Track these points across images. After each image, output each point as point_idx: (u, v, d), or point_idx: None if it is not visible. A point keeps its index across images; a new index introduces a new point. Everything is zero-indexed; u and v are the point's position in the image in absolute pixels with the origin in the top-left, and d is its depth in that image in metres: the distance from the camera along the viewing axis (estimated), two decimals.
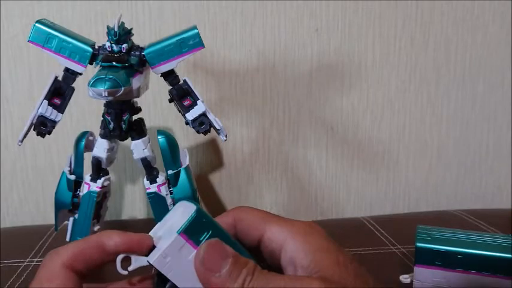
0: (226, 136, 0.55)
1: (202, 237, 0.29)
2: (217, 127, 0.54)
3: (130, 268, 0.30)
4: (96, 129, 0.57)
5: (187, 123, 0.55)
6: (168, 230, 0.31)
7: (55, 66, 0.54)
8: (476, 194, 0.85)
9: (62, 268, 0.29)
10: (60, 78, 0.54)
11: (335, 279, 0.28)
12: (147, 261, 0.30)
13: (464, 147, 0.83)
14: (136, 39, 0.55)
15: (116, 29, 0.52)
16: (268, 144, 0.79)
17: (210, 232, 0.30)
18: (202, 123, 0.54)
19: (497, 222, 0.68)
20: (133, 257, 0.30)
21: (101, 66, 0.52)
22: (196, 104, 0.54)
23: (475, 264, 0.47)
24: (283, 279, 0.28)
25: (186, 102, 0.54)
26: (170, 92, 0.55)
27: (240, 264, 0.29)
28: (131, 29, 0.54)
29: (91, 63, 0.53)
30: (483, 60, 0.80)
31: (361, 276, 0.30)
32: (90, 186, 0.57)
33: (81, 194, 0.57)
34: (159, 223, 0.33)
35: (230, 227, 0.33)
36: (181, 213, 0.31)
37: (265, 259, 0.33)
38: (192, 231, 0.29)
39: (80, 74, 0.54)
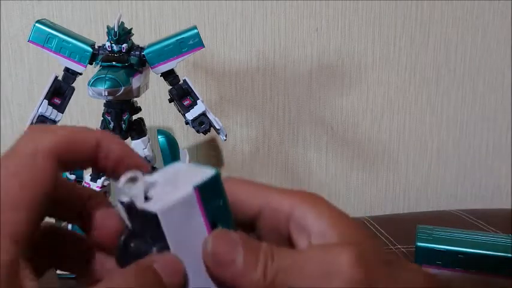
0: (226, 136, 0.55)
1: (213, 206, 0.25)
2: (217, 127, 0.54)
3: (136, 189, 0.24)
4: None
5: (187, 123, 0.55)
6: (172, 180, 0.25)
7: (55, 66, 0.54)
8: (476, 194, 0.85)
9: (45, 153, 0.23)
10: (60, 78, 0.54)
11: (357, 241, 0.25)
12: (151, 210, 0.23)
13: (464, 147, 0.83)
14: (136, 39, 0.55)
15: (115, 29, 0.52)
16: (268, 144, 0.79)
17: (221, 202, 0.25)
18: (202, 123, 0.54)
19: (497, 222, 0.68)
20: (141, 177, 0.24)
21: (100, 66, 0.52)
22: (196, 104, 0.54)
23: (475, 263, 0.47)
24: (309, 253, 0.24)
25: (186, 102, 0.55)
26: (170, 91, 0.55)
27: (254, 249, 0.24)
28: (131, 29, 0.54)
29: (91, 63, 0.53)
30: (483, 60, 0.80)
31: (372, 238, 0.27)
32: (90, 186, 0.57)
33: None
34: (163, 169, 0.27)
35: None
36: (195, 169, 0.26)
37: (261, 236, 0.28)
38: (207, 192, 0.24)
39: (80, 73, 0.54)
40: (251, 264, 0.24)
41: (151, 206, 0.23)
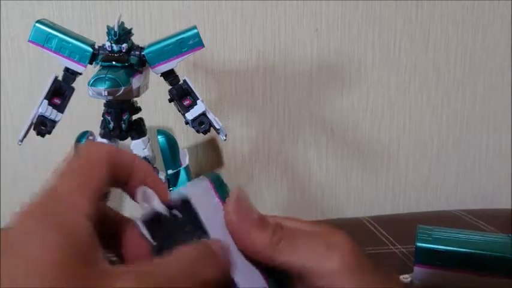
0: (226, 136, 0.55)
1: (222, 191, 0.30)
2: (217, 127, 0.54)
3: (151, 207, 0.28)
4: (96, 129, 0.57)
5: (187, 123, 0.55)
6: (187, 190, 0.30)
7: (55, 66, 0.54)
8: (476, 194, 0.85)
9: (104, 158, 0.27)
10: (60, 78, 0.54)
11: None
12: (179, 195, 0.29)
13: (464, 147, 0.83)
14: (136, 39, 0.55)
15: (115, 29, 0.52)
16: (268, 144, 0.79)
17: (227, 189, 0.30)
18: (202, 123, 0.54)
19: (497, 222, 0.68)
20: (155, 198, 0.28)
21: (100, 66, 0.52)
22: (196, 104, 0.54)
23: (475, 264, 0.47)
24: (312, 231, 0.29)
25: (186, 102, 0.54)
26: (170, 91, 0.55)
27: (264, 217, 0.29)
28: (131, 28, 0.54)
29: (91, 63, 0.53)
30: (483, 60, 0.80)
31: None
32: None
33: None
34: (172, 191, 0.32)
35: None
36: (197, 180, 0.31)
37: None
38: (216, 182, 0.30)
39: (80, 73, 0.54)
40: (263, 227, 0.28)
41: (180, 197, 0.28)
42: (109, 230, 0.28)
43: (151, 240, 0.28)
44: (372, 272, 0.27)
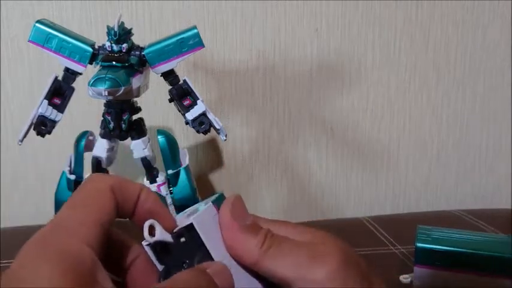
0: (226, 136, 0.55)
1: None
2: (217, 127, 0.54)
3: (155, 238, 0.29)
4: (96, 129, 0.57)
5: (187, 123, 0.55)
6: (192, 214, 0.31)
7: (55, 66, 0.54)
8: (476, 194, 0.85)
9: (107, 190, 0.28)
10: (60, 78, 0.54)
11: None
12: (189, 222, 0.29)
13: (464, 147, 0.83)
14: (136, 39, 0.55)
15: (115, 29, 0.52)
16: (268, 144, 0.79)
17: None
18: (202, 123, 0.54)
19: (497, 222, 0.68)
20: (159, 228, 0.29)
21: (101, 66, 0.52)
22: (196, 104, 0.54)
23: (475, 264, 0.47)
24: (300, 241, 0.29)
25: (186, 102, 0.54)
26: (170, 91, 0.55)
27: (257, 226, 0.29)
28: (131, 28, 0.54)
29: (91, 63, 0.53)
30: (483, 60, 0.80)
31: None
32: None
33: None
34: (178, 215, 0.33)
35: None
36: (203, 203, 0.32)
37: None
38: (220, 203, 0.31)
39: (80, 73, 0.54)
40: (253, 234, 0.28)
41: (184, 222, 0.29)
42: (116, 255, 0.29)
43: (158, 265, 0.29)
44: (358, 284, 0.27)
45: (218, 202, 0.31)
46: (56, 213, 0.59)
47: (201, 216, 0.29)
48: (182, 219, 0.30)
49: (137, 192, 0.29)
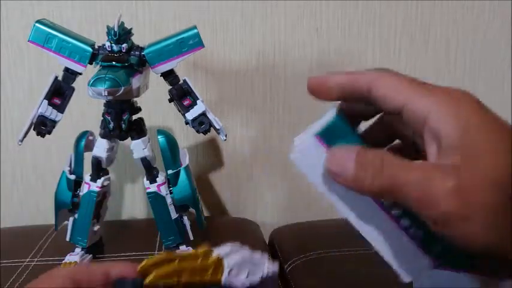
0: (226, 136, 0.55)
1: (338, 141, 0.30)
2: (217, 127, 0.54)
3: None
4: (96, 129, 0.57)
5: (187, 123, 0.55)
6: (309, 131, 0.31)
7: (55, 66, 0.54)
8: None
9: (64, 276, 0.29)
10: (60, 78, 0.54)
11: (485, 168, 0.24)
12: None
13: None
14: (136, 39, 0.55)
15: (115, 29, 0.52)
16: (268, 144, 0.79)
17: (344, 141, 0.30)
18: (202, 123, 0.54)
19: None
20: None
21: (100, 66, 0.52)
22: (196, 104, 0.54)
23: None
24: (410, 175, 0.25)
25: (186, 102, 0.55)
26: (170, 91, 0.55)
27: (366, 161, 0.27)
28: (131, 28, 0.54)
29: (91, 63, 0.53)
30: (483, 60, 0.80)
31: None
32: (90, 186, 0.57)
33: (81, 193, 0.57)
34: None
35: (364, 93, 0.30)
36: (325, 115, 0.32)
37: (404, 136, 0.32)
38: (327, 136, 0.30)
39: (80, 73, 0.54)
40: (360, 177, 0.27)
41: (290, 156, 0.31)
42: None
43: None
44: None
45: (327, 131, 0.30)
46: (56, 213, 0.59)
47: (299, 151, 0.31)
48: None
49: (104, 272, 0.30)
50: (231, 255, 0.31)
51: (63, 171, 0.58)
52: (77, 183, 0.58)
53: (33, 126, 0.53)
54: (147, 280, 0.28)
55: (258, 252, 0.32)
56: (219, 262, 0.30)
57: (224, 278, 0.30)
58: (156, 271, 0.29)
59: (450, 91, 0.28)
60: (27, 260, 0.59)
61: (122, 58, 0.52)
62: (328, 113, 0.32)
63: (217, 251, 0.31)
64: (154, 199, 0.57)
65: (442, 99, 0.28)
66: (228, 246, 0.32)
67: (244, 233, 0.70)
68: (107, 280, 0.29)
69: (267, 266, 0.31)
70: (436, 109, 0.27)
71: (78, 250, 0.58)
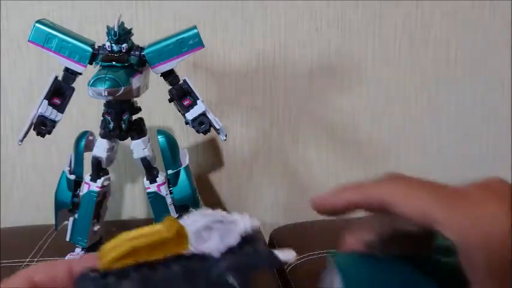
0: (226, 136, 0.55)
1: None
2: (217, 127, 0.54)
3: None
4: (96, 129, 0.57)
5: (187, 123, 0.55)
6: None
7: (55, 66, 0.54)
8: None
9: (21, 277, 0.28)
10: (60, 78, 0.54)
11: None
12: None
13: (464, 147, 0.83)
14: (137, 39, 0.55)
15: (115, 29, 0.52)
16: (268, 144, 0.79)
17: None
18: (202, 123, 0.54)
19: None
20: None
21: (100, 66, 0.52)
22: (196, 104, 0.54)
23: None
24: None
25: (186, 102, 0.55)
26: (170, 91, 0.55)
27: None
28: (131, 28, 0.54)
29: (91, 63, 0.53)
30: (483, 60, 0.80)
31: None
32: (90, 186, 0.57)
33: (81, 193, 0.57)
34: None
35: (377, 209, 0.31)
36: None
37: None
38: None
39: (80, 73, 0.54)
40: None
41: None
42: None
43: None
44: None
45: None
46: (56, 213, 0.59)
47: None
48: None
49: (67, 268, 0.28)
50: (195, 223, 0.28)
51: (63, 171, 0.58)
52: (77, 183, 0.58)
53: (33, 126, 0.53)
54: (101, 267, 0.25)
55: (233, 214, 0.28)
56: (181, 231, 0.26)
57: (191, 246, 0.26)
58: (108, 255, 0.25)
59: (480, 206, 0.28)
60: (27, 260, 0.59)
61: (122, 58, 0.52)
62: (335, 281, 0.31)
63: (181, 221, 0.27)
64: (154, 199, 0.57)
65: (470, 226, 0.28)
66: (193, 214, 0.28)
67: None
68: (71, 277, 0.27)
69: (243, 224, 0.27)
70: (464, 242, 0.27)
71: (78, 250, 0.58)
